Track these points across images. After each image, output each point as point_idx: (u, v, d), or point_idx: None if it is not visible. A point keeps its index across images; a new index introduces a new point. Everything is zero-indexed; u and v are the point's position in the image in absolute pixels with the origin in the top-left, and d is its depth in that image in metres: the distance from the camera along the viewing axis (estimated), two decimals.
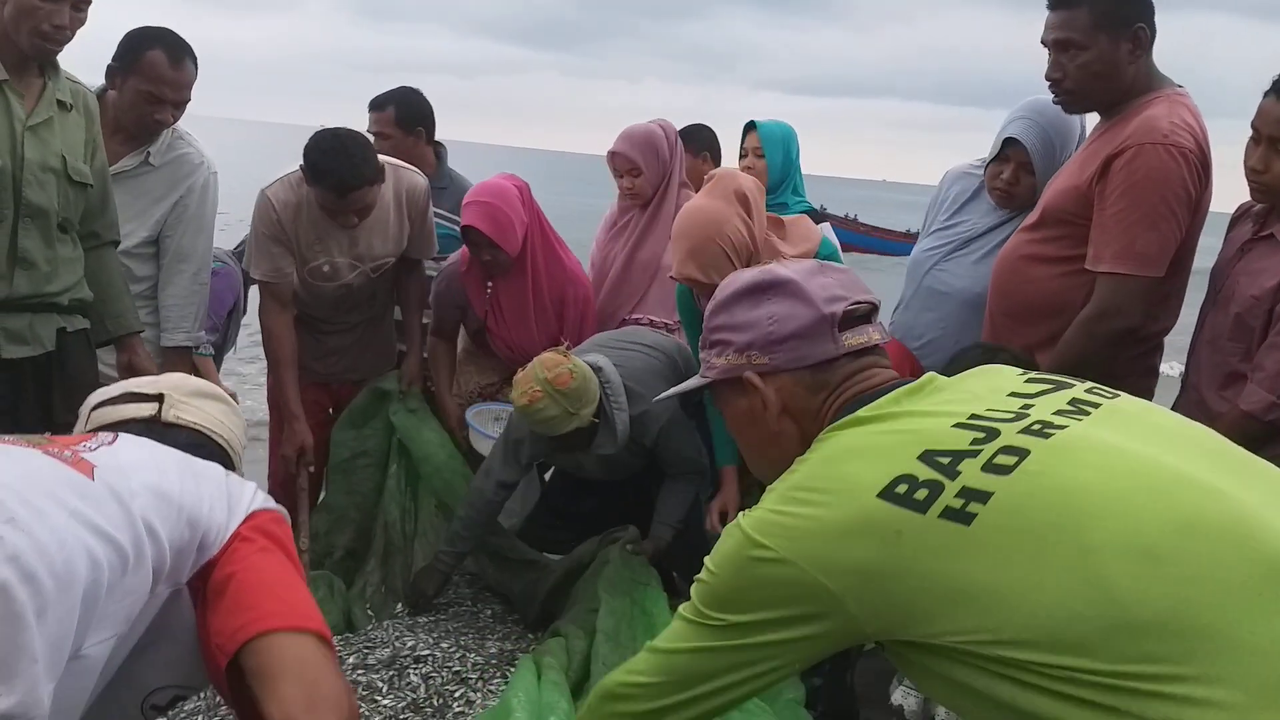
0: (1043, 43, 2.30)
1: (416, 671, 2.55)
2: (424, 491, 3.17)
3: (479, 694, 2.50)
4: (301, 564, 1.53)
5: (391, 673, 2.51)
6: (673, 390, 1.58)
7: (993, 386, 1.23)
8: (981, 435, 1.12)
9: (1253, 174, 2.16)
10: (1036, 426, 1.12)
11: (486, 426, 3.14)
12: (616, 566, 2.71)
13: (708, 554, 2.70)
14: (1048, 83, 2.34)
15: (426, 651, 2.66)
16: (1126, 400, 1.20)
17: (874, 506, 1.09)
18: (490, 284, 3.11)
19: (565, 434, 2.65)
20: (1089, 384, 1.22)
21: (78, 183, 2.45)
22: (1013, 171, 2.69)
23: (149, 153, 2.91)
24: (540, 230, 3.10)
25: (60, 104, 2.42)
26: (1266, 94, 2.12)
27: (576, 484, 3.10)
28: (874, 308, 1.35)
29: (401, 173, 3.08)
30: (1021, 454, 1.08)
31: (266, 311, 3.11)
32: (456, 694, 2.49)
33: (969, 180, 2.92)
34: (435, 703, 2.44)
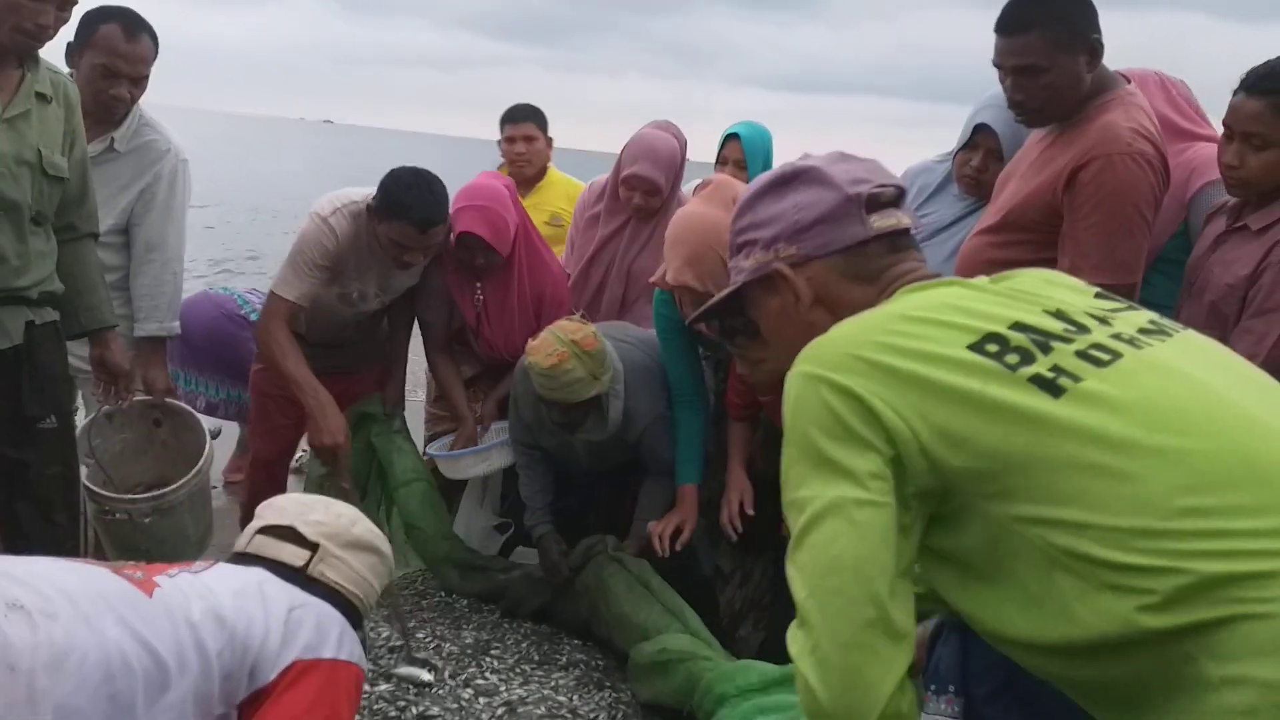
0: (998, 66, 2.29)
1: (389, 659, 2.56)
2: (396, 516, 3.18)
3: (455, 682, 2.50)
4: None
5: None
6: (708, 304, 1.44)
7: (1067, 293, 1.21)
8: (1073, 328, 1.11)
9: (1228, 170, 2.19)
10: (1126, 335, 1.12)
11: (451, 464, 3.15)
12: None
13: (689, 551, 2.67)
14: (1011, 106, 2.34)
15: (400, 642, 2.66)
16: (1194, 334, 1.19)
17: (963, 354, 1.07)
18: (480, 286, 3.07)
19: (578, 405, 2.63)
20: (1148, 315, 1.20)
21: (53, 176, 2.41)
22: (982, 158, 2.71)
23: (114, 138, 2.87)
24: (524, 228, 3.07)
25: (39, 96, 2.38)
26: (1236, 91, 2.16)
27: (556, 483, 3.08)
28: (901, 192, 1.30)
29: None
30: (1115, 354, 1.08)
31: (275, 319, 2.92)
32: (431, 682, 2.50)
33: (933, 174, 2.93)
34: (411, 691, 2.44)
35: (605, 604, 2.73)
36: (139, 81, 2.83)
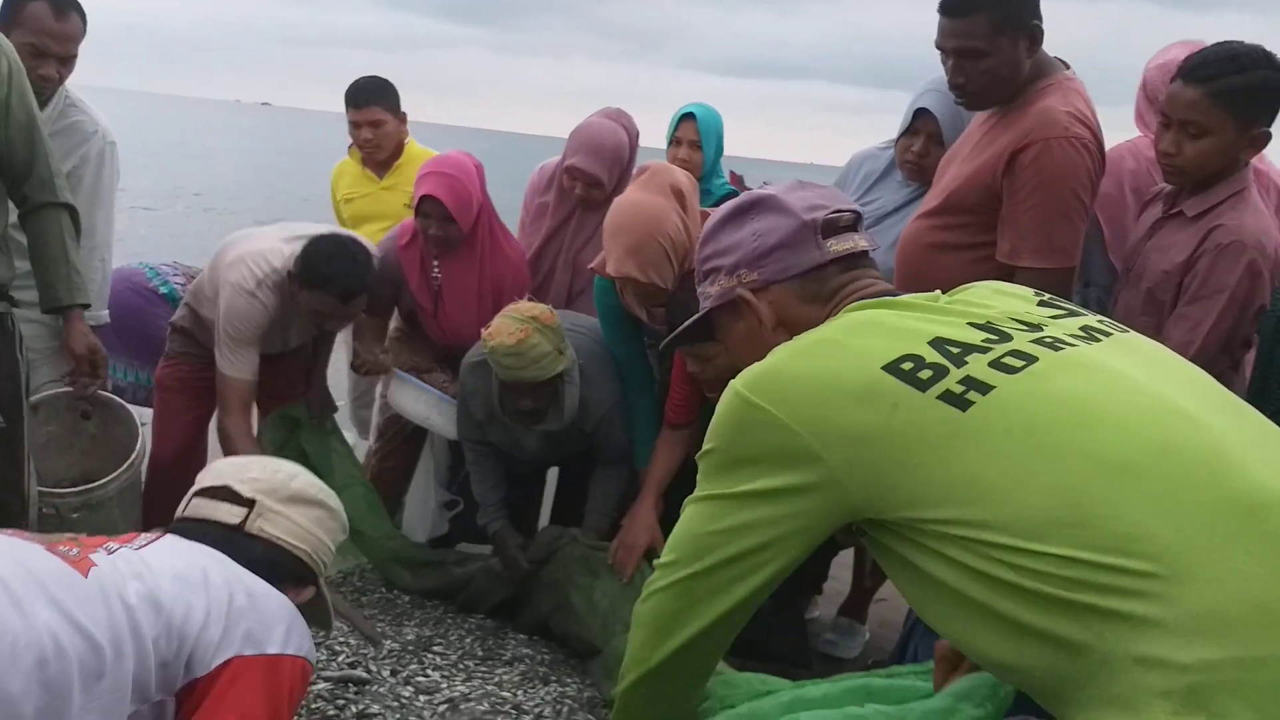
0: (940, 48, 2.31)
1: (336, 660, 2.51)
2: None
3: (395, 679, 2.46)
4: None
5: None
6: (678, 330, 1.56)
7: (1008, 302, 1.26)
8: (994, 337, 1.16)
9: (1165, 157, 2.21)
10: (1049, 340, 1.16)
11: (408, 388, 3.01)
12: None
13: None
14: (952, 88, 2.35)
15: (344, 639, 2.61)
16: (1135, 335, 1.24)
17: (877, 376, 1.13)
18: (437, 265, 3.00)
19: (543, 386, 2.57)
20: (1100, 316, 1.26)
21: None
22: (923, 143, 2.73)
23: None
24: (489, 212, 3.00)
25: None
26: (1173, 80, 2.18)
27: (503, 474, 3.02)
28: (857, 216, 1.38)
29: None
30: (1030, 360, 1.12)
31: (231, 413, 2.86)
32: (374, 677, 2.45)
33: (877, 160, 2.95)
34: (351, 689, 2.39)
35: (576, 597, 2.68)
36: (67, 61, 2.73)
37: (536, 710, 2.39)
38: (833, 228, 1.33)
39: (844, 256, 1.33)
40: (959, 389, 1.10)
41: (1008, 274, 2.29)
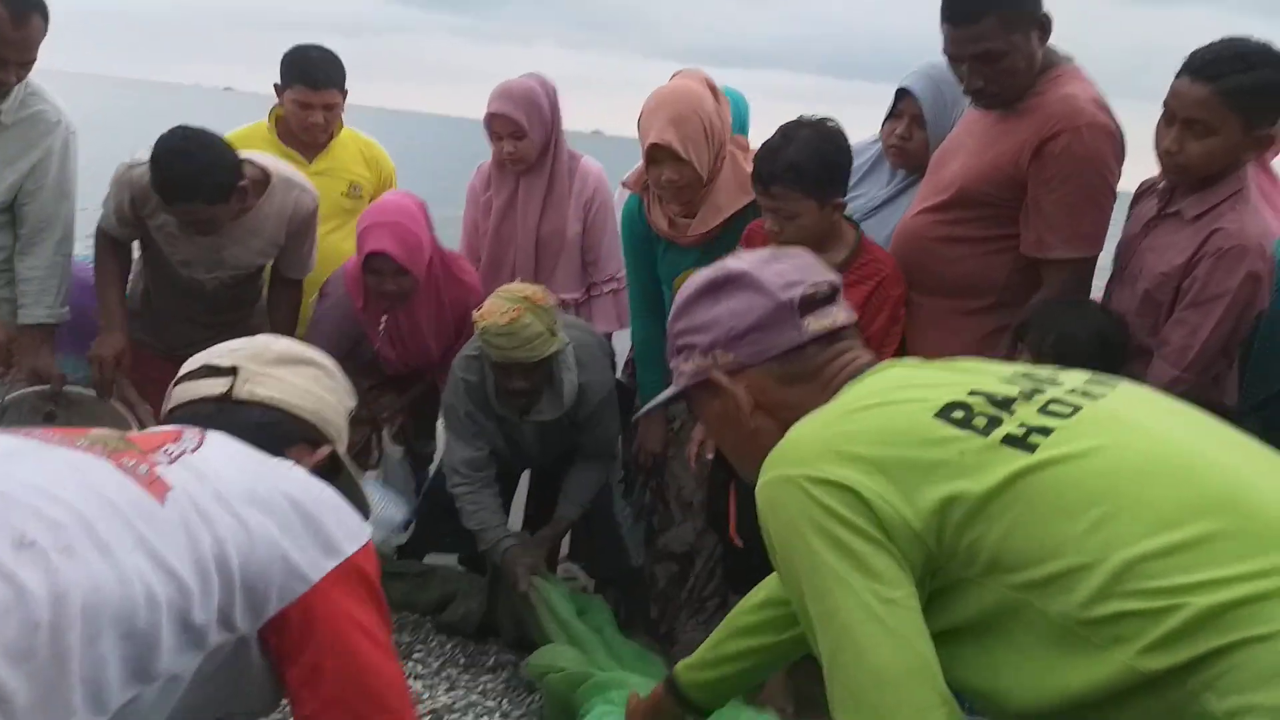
0: (952, 57, 2.27)
1: None
2: None
3: None
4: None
5: None
6: (651, 403, 1.51)
7: (1002, 368, 1.22)
8: (1028, 389, 1.13)
9: (1166, 155, 2.15)
10: (1079, 390, 1.13)
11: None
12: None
13: (617, 543, 2.54)
14: (970, 93, 2.32)
15: None
16: (1131, 384, 1.21)
17: (931, 424, 1.07)
18: (386, 316, 2.86)
19: (538, 368, 2.52)
20: (1086, 373, 1.22)
21: None
22: (906, 126, 2.69)
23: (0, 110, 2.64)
24: (437, 249, 2.86)
25: None
26: (1179, 74, 2.11)
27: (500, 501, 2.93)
28: (835, 289, 1.31)
29: (292, 190, 2.73)
30: (1075, 407, 1.09)
31: (101, 243, 2.78)
32: None
33: (864, 155, 2.90)
34: None
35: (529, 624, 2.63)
36: (26, 64, 2.60)
37: (523, 718, 2.33)
38: (811, 303, 1.26)
39: (824, 335, 1.27)
40: (1020, 431, 1.06)
41: (1030, 265, 2.29)
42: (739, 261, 1.31)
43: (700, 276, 1.34)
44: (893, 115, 2.74)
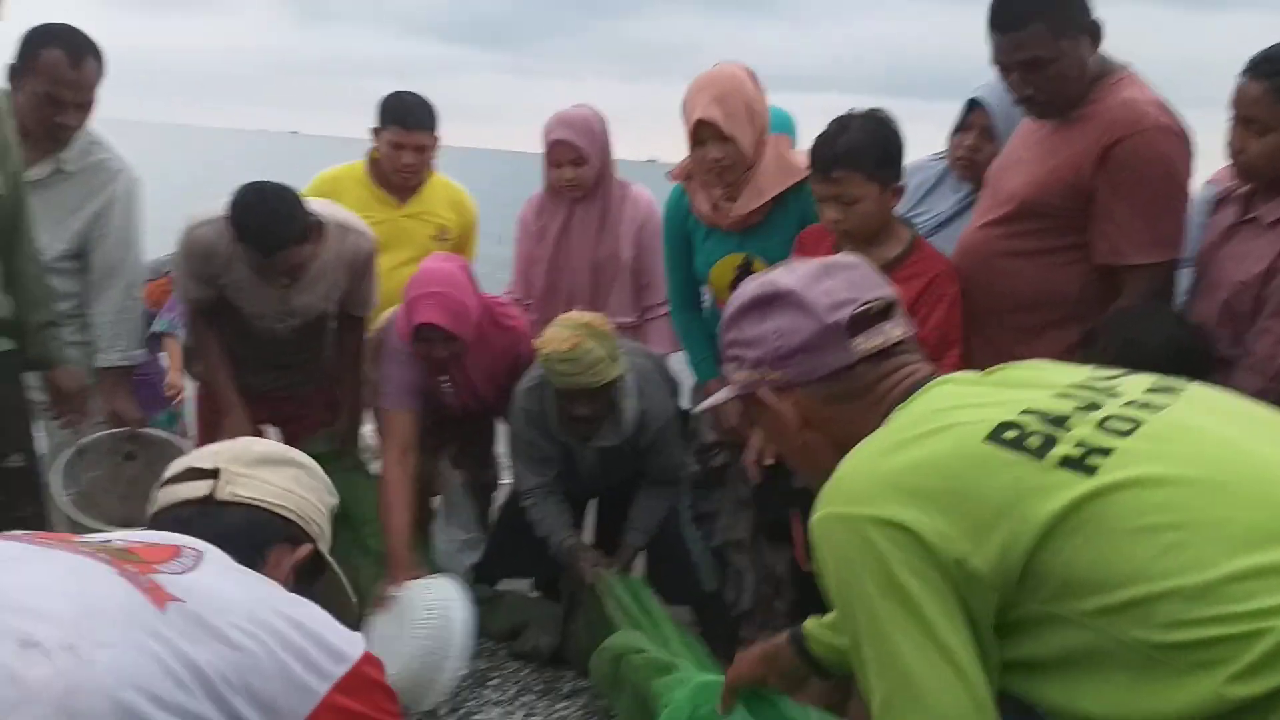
0: (1000, 65, 2.24)
1: None
2: (362, 558, 2.84)
3: (454, 717, 2.38)
4: None
5: None
6: (706, 403, 1.51)
7: (1061, 374, 1.17)
8: (1084, 404, 1.07)
9: (1234, 155, 2.14)
10: (1139, 401, 1.08)
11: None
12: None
13: (687, 567, 2.47)
14: (1020, 102, 2.28)
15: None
16: (1198, 386, 1.16)
17: (983, 451, 1.03)
18: (445, 379, 2.88)
19: (600, 394, 2.53)
20: (1151, 377, 1.17)
21: None
22: (975, 137, 2.68)
23: (61, 159, 2.72)
24: (482, 304, 2.85)
25: None
26: (1241, 75, 2.10)
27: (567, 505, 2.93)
28: (889, 304, 1.26)
29: (346, 233, 2.78)
30: (1136, 421, 1.04)
31: (193, 318, 2.89)
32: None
33: (928, 171, 2.90)
34: None
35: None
36: (85, 106, 2.68)
37: None
38: (861, 323, 1.23)
39: (875, 353, 1.23)
40: (1078, 452, 1.01)
41: (1105, 275, 2.23)
42: (788, 277, 1.28)
43: (749, 289, 1.31)
44: (962, 128, 2.72)
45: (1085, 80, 2.20)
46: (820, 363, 1.23)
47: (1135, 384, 1.13)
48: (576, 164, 3.03)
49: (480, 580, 3.02)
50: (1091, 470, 0.99)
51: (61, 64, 2.58)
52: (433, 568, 2.95)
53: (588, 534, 3.14)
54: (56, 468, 2.67)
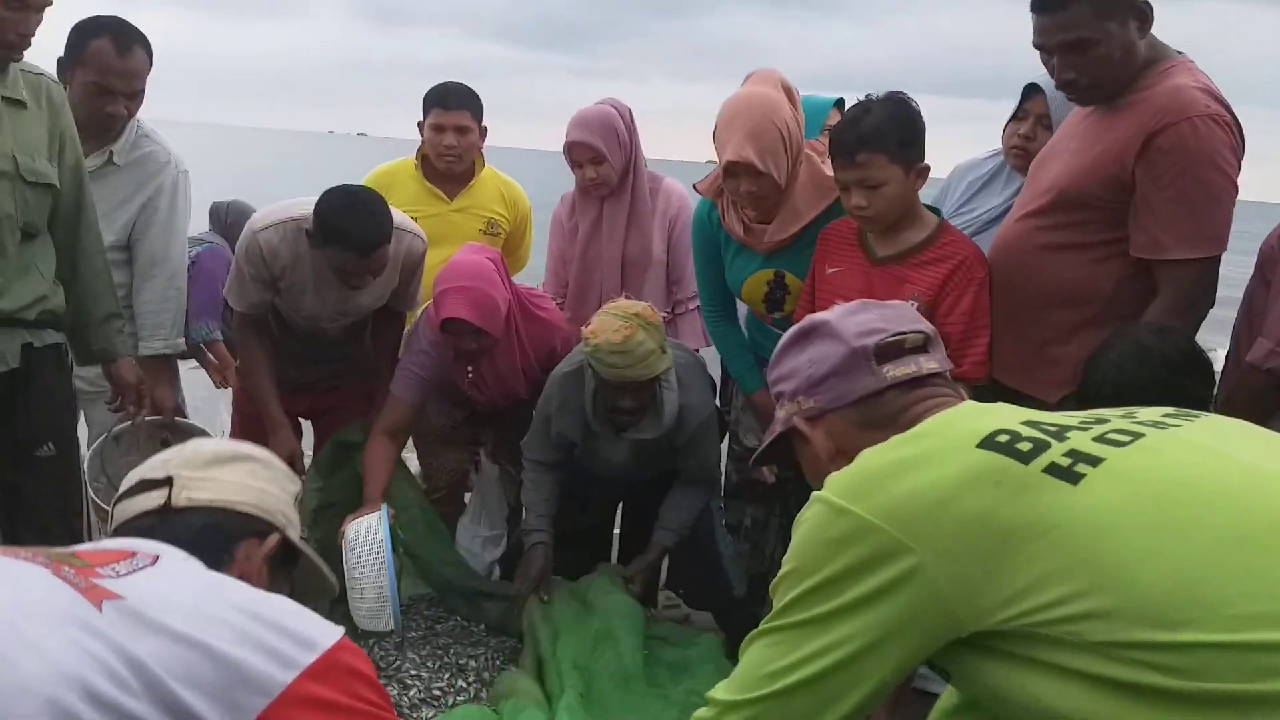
0: (1040, 47, 2.16)
1: (406, 696, 2.45)
2: (398, 548, 2.88)
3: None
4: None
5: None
6: (758, 450, 1.52)
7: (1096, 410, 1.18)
8: (1090, 419, 1.09)
9: None
10: (1149, 421, 1.09)
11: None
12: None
13: (719, 571, 2.48)
14: (1062, 86, 2.20)
15: (414, 672, 2.56)
16: (1221, 418, 1.17)
17: (972, 456, 1.05)
18: (470, 369, 2.89)
19: (645, 387, 2.50)
20: (1170, 409, 1.17)
21: (37, 184, 2.29)
22: (1030, 126, 2.62)
23: (112, 151, 2.77)
24: (515, 297, 2.85)
25: (8, 100, 2.25)
26: None
27: (576, 499, 2.94)
28: (927, 338, 1.32)
29: (402, 235, 2.81)
30: (1135, 435, 1.05)
31: (242, 329, 2.95)
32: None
33: (980, 168, 2.86)
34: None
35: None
36: (134, 96, 2.73)
37: None
38: (892, 351, 1.28)
39: (905, 381, 1.27)
40: (1065, 461, 1.01)
41: (1142, 272, 2.14)
42: (827, 313, 1.36)
43: (793, 328, 1.40)
44: (1016, 116, 2.67)
45: (1133, 65, 2.11)
46: (850, 387, 1.28)
47: (1154, 410, 1.14)
48: (596, 163, 3.04)
49: (506, 575, 3.03)
50: (1077, 478, 0.99)
51: (109, 53, 2.63)
52: (455, 562, 2.99)
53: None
54: (92, 453, 2.72)
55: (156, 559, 1.19)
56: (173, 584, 1.15)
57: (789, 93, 2.52)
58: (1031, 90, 2.63)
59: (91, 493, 2.67)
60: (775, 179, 2.45)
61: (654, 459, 2.74)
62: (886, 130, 2.23)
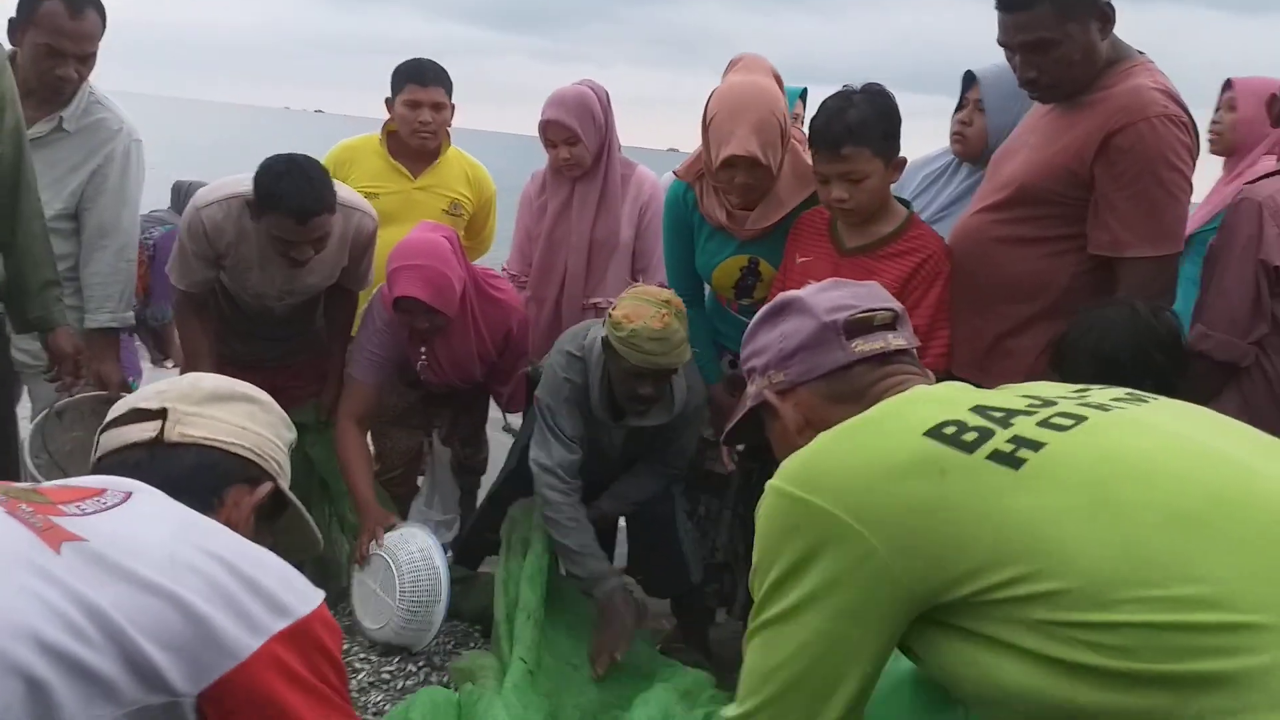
0: (1004, 45, 2.18)
1: (354, 679, 2.43)
2: (341, 533, 2.91)
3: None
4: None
5: None
6: (728, 427, 1.54)
7: (1047, 386, 1.21)
8: (1039, 402, 1.11)
9: None
10: (1095, 403, 1.11)
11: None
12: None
13: (679, 558, 2.58)
14: (1023, 84, 2.22)
15: (363, 655, 2.55)
16: (1179, 402, 1.19)
17: (918, 444, 1.07)
18: (424, 348, 2.86)
19: (667, 374, 2.49)
20: (1126, 390, 1.20)
21: None
22: (968, 111, 2.68)
23: (62, 117, 2.70)
24: (471, 278, 2.82)
25: None
26: None
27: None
28: (896, 315, 1.35)
29: (351, 213, 2.76)
30: (1079, 419, 1.07)
31: (181, 309, 2.88)
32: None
33: (936, 162, 2.89)
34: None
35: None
36: (86, 59, 2.66)
37: None
38: (861, 327, 1.32)
39: (873, 356, 1.30)
40: (1009, 448, 1.04)
41: (1097, 267, 2.17)
42: (800, 290, 1.39)
43: (766, 305, 1.43)
44: (960, 106, 2.72)
45: (1094, 65, 2.13)
46: (819, 360, 1.31)
47: (1108, 392, 1.16)
48: (570, 143, 3.02)
49: (460, 561, 3.01)
50: (1019, 464, 1.02)
51: (61, 15, 2.56)
52: None
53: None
54: (34, 428, 2.66)
55: (128, 496, 1.12)
56: (144, 525, 1.08)
57: (778, 80, 2.53)
58: (969, 78, 2.69)
59: (32, 468, 2.60)
60: (772, 171, 2.46)
61: (642, 447, 2.72)
62: (871, 123, 2.23)
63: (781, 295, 1.41)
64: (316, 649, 1.09)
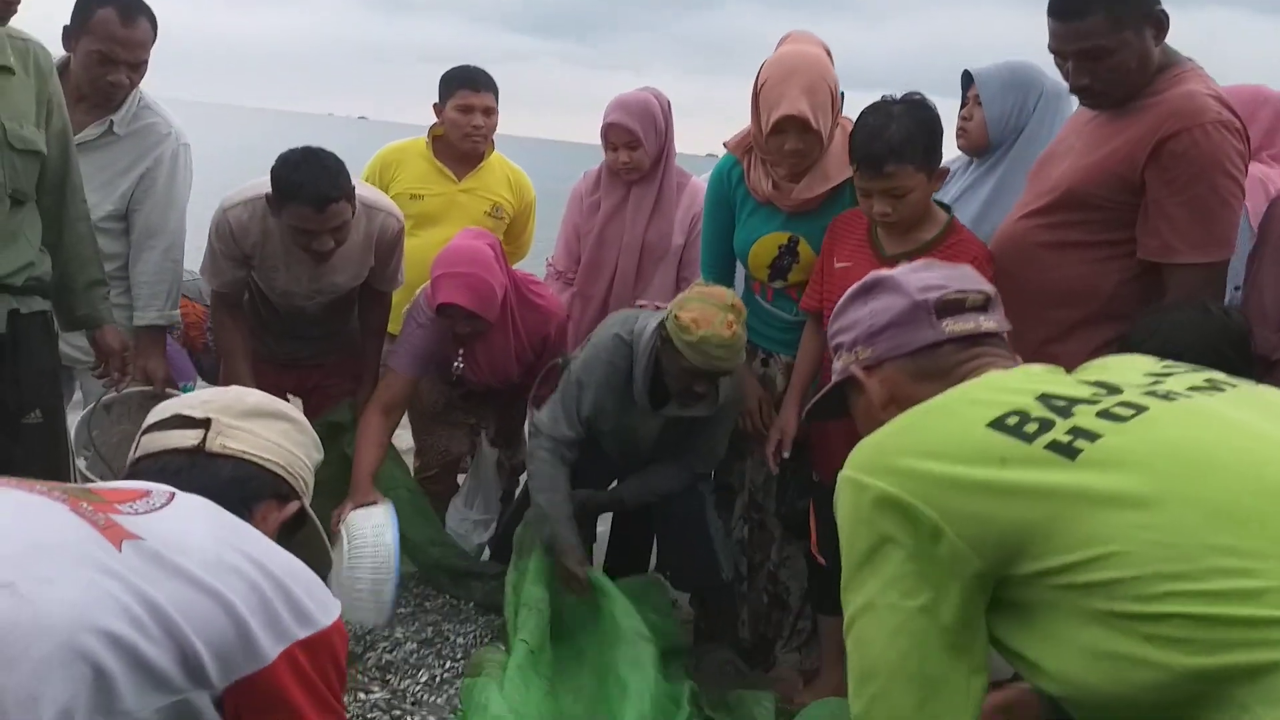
0: (1057, 52, 2.16)
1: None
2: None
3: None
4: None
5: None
6: (812, 401, 1.56)
7: (1130, 364, 1.25)
8: (1104, 391, 1.14)
9: None
10: (1163, 391, 1.13)
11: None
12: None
13: (709, 555, 2.66)
14: (1075, 91, 2.21)
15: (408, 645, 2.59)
16: (1265, 387, 1.20)
17: (981, 434, 1.11)
18: (462, 353, 2.90)
19: (724, 374, 2.52)
20: (1216, 373, 1.22)
21: (24, 151, 2.27)
22: (969, 108, 2.70)
23: (113, 121, 2.77)
24: (513, 283, 2.87)
25: None
26: None
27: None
28: (988, 298, 1.36)
29: (375, 213, 2.81)
30: (1140, 409, 1.09)
31: (216, 308, 2.94)
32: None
33: (952, 164, 2.86)
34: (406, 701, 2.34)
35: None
36: (138, 67, 2.73)
37: None
38: (953, 308, 1.33)
39: (962, 337, 1.32)
40: (1066, 439, 1.07)
41: (1145, 272, 2.16)
42: (891, 270, 1.41)
43: (857, 284, 1.45)
44: (961, 104, 2.76)
45: (1147, 72, 2.12)
46: (908, 338, 1.33)
47: (1185, 379, 1.17)
48: (631, 147, 3.07)
49: (495, 557, 3.04)
50: (1075, 454, 1.05)
51: (113, 22, 2.63)
52: (442, 543, 3.00)
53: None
54: (80, 422, 2.72)
55: (172, 497, 1.18)
56: (190, 526, 1.14)
57: (829, 52, 2.55)
58: (967, 78, 2.72)
59: (80, 463, 2.67)
60: (822, 137, 2.46)
61: (677, 439, 2.73)
62: (914, 139, 2.22)
63: (873, 274, 1.43)
64: (329, 657, 1.17)
